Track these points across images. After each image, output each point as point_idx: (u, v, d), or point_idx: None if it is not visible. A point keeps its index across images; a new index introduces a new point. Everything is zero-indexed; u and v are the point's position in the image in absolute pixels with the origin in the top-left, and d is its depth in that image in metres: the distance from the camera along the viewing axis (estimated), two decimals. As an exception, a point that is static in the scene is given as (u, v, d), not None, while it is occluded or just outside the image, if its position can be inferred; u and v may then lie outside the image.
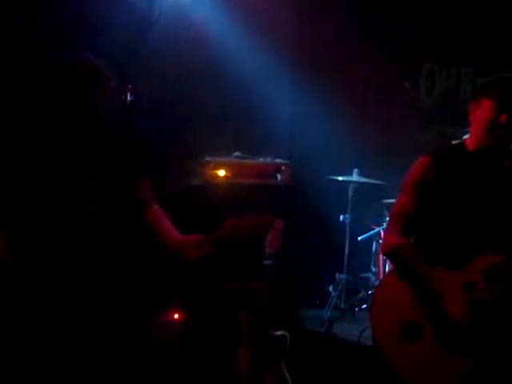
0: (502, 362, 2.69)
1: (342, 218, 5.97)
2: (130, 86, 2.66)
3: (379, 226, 5.79)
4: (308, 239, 6.21)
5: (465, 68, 6.89)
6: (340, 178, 5.91)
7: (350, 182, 5.92)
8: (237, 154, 5.43)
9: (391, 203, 4.63)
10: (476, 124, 2.90)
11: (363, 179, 5.91)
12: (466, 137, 3.06)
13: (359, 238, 5.95)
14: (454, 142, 3.52)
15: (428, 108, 6.97)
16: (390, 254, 2.96)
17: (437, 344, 2.72)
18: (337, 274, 5.96)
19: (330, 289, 5.97)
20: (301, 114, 6.49)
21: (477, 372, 2.66)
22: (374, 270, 5.88)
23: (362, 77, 6.83)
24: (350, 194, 5.96)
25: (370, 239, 5.93)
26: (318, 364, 4.61)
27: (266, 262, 4.19)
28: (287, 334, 4.09)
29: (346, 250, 5.89)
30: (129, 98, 2.66)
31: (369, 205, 6.06)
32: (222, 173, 5.23)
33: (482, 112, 2.85)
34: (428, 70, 7.04)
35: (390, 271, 3.04)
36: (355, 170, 5.95)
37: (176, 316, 3.99)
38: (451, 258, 2.81)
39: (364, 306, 5.69)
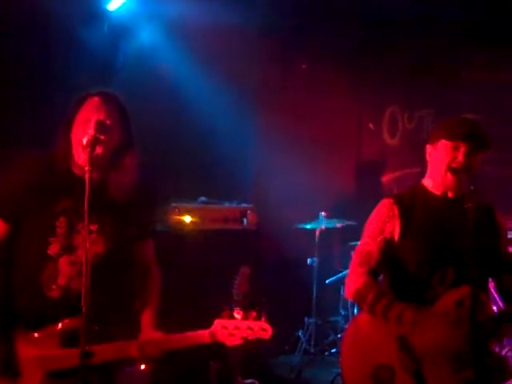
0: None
1: (309, 261, 5.95)
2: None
3: (347, 268, 5.77)
4: (275, 283, 6.16)
5: (426, 110, 7.02)
6: (307, 226, 5.91)
7: (317, 225, 5.92)
8: (202, 199, 5.40)
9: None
10: (434, 165, 2.92)
11: (330, 222, 5.92)
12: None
13: (327, 281, 5.93)
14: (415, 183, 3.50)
15: (391, 150, 7.07)
16: (357, 297, 2.93)
17: None
18: (305, 318, 5.91)
19: (299, 333, 5.91)
20: (266, 158, 6.51)
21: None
22: (342, 313, 5.86)
23: (326, 121, 6.88)
24: (317, 236, 5.96)
25: (337, 282, 5.91)
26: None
27: (233, 309, 4.11)
28: (257, 382, 4.02)
29: (314, 294, 5.86)
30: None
31: (336, 247, 6.07)
32: (187, 218, 5.19)
33: (439, 153, 2.87)
34: (391, 113, 7.16)
35: (359, 313, 3.00)
36: (322, 213, 5.96)
37: (143, 366, 3.89)
38: (419, 296, 2.80)
39: (334, 349, 5.65)
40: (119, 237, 2.72)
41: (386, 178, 6.94)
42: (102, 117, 2.63)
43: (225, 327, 2.62)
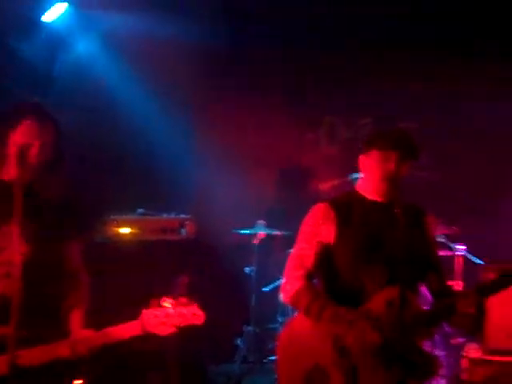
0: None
1: (247, 270, 6.00)
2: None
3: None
4: (214, 293, 6.18)
5: (364, 119, 7.14)
6: (245, 231, 5.96)
7: (254, 233, 5.98)
8: (140, 210, 5.40)
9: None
10: (367, 173, 3.01)
11: (268, 231, 5.98)
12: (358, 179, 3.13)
13: (264, 289, 5.98)
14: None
15: (330, 158, 7.18)
16: (294, 301, 2.97)
17: None
18: (244, 327, 5.95)
19: (239, 342, 5.95)
20: (206, 169, 6.54)
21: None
22: (280, 320, 5.90)
23: (265, 131, 6.95)
24: (255, 245, 6.02)
25: (275, 290, 5.97)
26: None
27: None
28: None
29: (253, 302, 5.90)
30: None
31: (274, 255, 6.13)
32: (126, 230, 5.19)
33: (371, 163, 2.96)
34: (329, 122, 7.27)
35: (293, 317, 3.03)
36: (259, 222, 6.02)
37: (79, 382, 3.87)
38: (353, 297, 2.86)
39: (273, 357, 5.68)
40: (41, 238, 2.72)
41: (324, 186, 7.03)
42: (33, 139, 2.72)
43: (155, 316, 2.57)
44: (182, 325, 2.58)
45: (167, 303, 2.59)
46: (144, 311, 2.58)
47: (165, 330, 2.57)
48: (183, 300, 2.61)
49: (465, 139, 6.84)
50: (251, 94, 6.86)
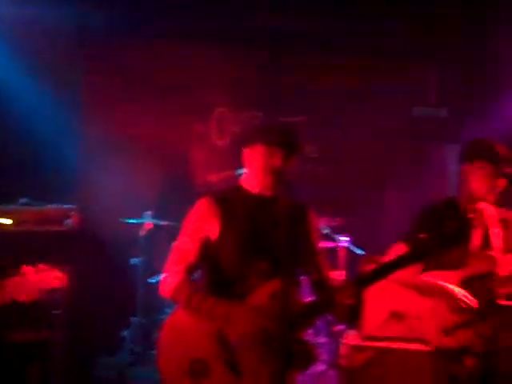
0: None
1: (134, 260, 5.95)
2: None
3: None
4: (100, 284, 6.11)
5: (253, 112, 7.21)
6: (131, 221, 5.90)
7: (141, 224, 5.93)
8: (23, 200, 5.23)
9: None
10: (251, 166, 3.03)
11: (155, 221, 5.95)
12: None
13: (151, 281, 5.95)
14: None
15: (220, 151, 7.22)
16: (174, 295, 2.95)
17: (226, 378, 2.76)
18: (131, 318, 5.90)
19: (125, 333, 5.89)
20: (93, 159, 6.41)
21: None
22: (168, 311, 5.87)
23: (156, 122, 6.89)
24: (142, 236, 5.97)
25: (162, 281, 5.96)
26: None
27: (55, 311, 4.05)
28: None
29: (140, 293, 5.86)
30: None
31: (161, 247, 6.10)
32: (7, 221, 5.02)
33: (256, 156, 2.98)
34: (218, 115, 7.30)
35: (175, 310, 3.04)
36: (147, 213, 5.98)
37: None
38: (235, 290, 2.90)
39: (158, 349, 5.68)
40: None
41: (213, 179, 7.07)
42: None
43: (17, 284, 2.59)
44: (44, 288, 2.61)
45: (27, 270, 2.62)
46: (5, 282, 2.59)
47: (28, 295, 2.60)
48: (43, 266, 2.66)
49: (348, 132, 7.06)
50: (139, 83, 6.79)
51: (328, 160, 7.27)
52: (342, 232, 6.21)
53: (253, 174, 3.03)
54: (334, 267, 5.84)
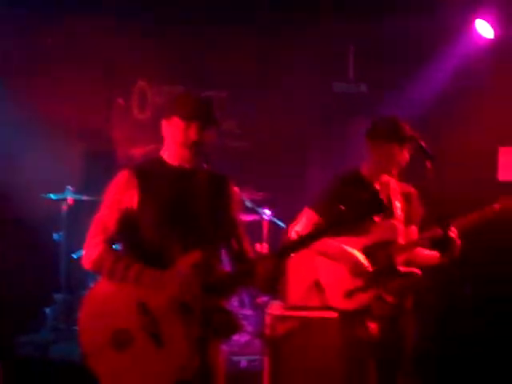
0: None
1: (56, 236, 5.87)
2: None
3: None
4: (21, 260, 6.01)
5: (174, 86, 7.18)
6: (53, 197, 5.82)
7: (63, 199, 5.85)
8: None
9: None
10: (169, 139, 3.01)
11: (77, 196, 5.88)
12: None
13: (75, 256, 5.90)
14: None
15: (141, 125, 7.17)
16: (96, 266, 2.92)
17: (149, 347, 2.77)
18: (54, 294, 5.84)
19: (47, 310, 5.83)
20: (10, 133, 6.25)
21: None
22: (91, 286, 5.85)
23: (75, 95, 6.77)
24: (65, 211, 5.89)
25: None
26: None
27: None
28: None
29: (62, 269, 5.80)
30: None
31: (85, 222, 6.04)
32: None
33: (173, 129, 2.96)
34: (139, 88, 7.23)
35: (98, 281, 3.02)
36: (68, 188, 5.90)
37: None
38: (157, 260, 2.88)
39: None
40: None
41: (135, 153, 7.02)
42: None
43: None
44: None
45: None
46: None
47: None
48: None
49: (273, 107, 7.12)
50: (60, 55, 6.66)
51: (250, 135, 7.32)
52: (265, 206, 6.30)
53: (171, 146, 3.02)
54: (257, 240, 5.93)
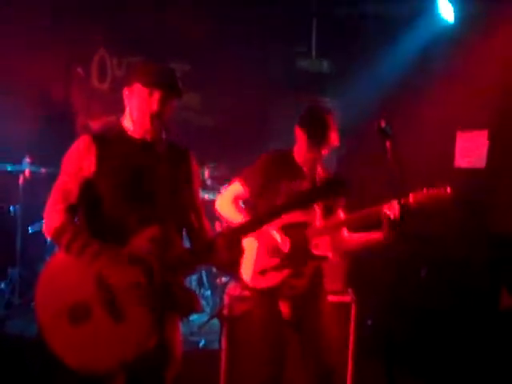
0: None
1: (11, 208, 5.77)
2: None
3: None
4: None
5: (136, 58, 7.09)
6: (9, 168, 5.70)
7: (20, 171, 5.74)
8: None
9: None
10: (131, 108, 2.93)
11: (33, 168, 5.78)
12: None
13: (31, 229, 5.80)
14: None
15: (101, 95, 7.07)
16: (55, 235, 2.85)
17: (106, 322, 2.74)
18: (9, 269, 5.75)
19: (2, 285, 5.74)
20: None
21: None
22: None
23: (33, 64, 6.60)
24: (21, 183, 5.79)
25: (42, 230, 5.81)
26: None
27: None
28: None
29: (18, 243, 5.71)
30: None
31: (42, 194, 5.95)
32: None
33: (135, 97, 2.89)
34: (99, 58, 7.13)
35: (55, 253, 2.95)
36: (25, 159, 5.79)
37: None
38: (114, 233, 2.84)
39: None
40: None
41: (94, 123, 6.92)
42: None
43: None
44: None
45: None
46: None
47: None
48: None
49: (231, 83, 7.08)
50: (18, 26, 6.48)
51: (212, 111, 7.29)
52: (226, 184, 6.28)
53: (132, 115, 2.94)
54: (217, 219, 5.91)
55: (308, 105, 3.91)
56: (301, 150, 3.82)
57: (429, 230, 5.66)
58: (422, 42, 6.22)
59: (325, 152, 3.76)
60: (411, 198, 3.57)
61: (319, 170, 3.88)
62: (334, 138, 3.74)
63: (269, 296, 3.72)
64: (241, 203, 3.88)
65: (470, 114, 5.86)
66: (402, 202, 3.42)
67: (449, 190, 3.57)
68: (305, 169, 3.81)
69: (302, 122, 3.80)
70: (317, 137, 3.72)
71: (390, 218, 3.54)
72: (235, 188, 3.84)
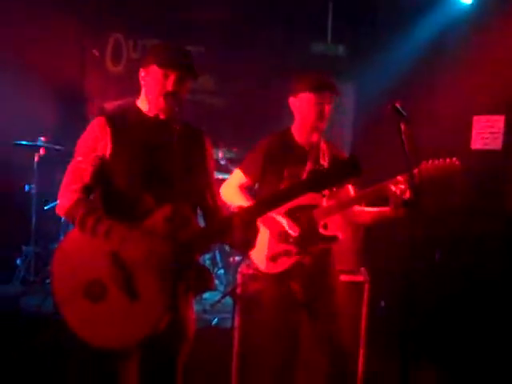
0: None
1: (27, 187, 5.80)
2: None
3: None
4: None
5: (151, 40, 7.08)
6: (25, 143, 5.74)
7: (36, 149, 5.77)
8: None
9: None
10: (147, 88, 2.95)
11: (49, 146, 5.81)
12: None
13: (46, 208, 5.84)
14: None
15: (115, 78, 7.08)
16: (69, 214, 2.85)
17: (122, 300, 2.75)
18: (24, 247, 5.79)
19: (18, 262, 5.79)
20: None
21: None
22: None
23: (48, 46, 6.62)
24: (36, 162, 5.82)
25: (57, 208, 5.85)
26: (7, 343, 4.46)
27: None
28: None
29: (33, 221, 5.74)
30: None
31: (57, 173, 5.98)
32: None
33: (150, 77, 2.89)
34: (114, 41, 7.13)
35: (70, 231, 2.94)
36: (41, 138, 5.82)
37: None
38: (131, 212, 2.85)
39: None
40: None
41: (108, 105, 6.92)
42: None
43: None
44: None
45: None
46: None
47: None
48: None
49: (248, 65, 7.06)
50: (34, 8, 6.49)
51: (226, 93, 7.27)
52: (239, 164, 6.28)
53: (148, 94, 2.95)
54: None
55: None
56: (301, 125, 3.75)
57: (444, 210, 5.65)
58: (439, 24, 6.15)
59: (327, 108, 3.67)
60: (419, 169, 3.49)
61: (323, 145, 3.81)
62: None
63: (280, 279, 3.72)
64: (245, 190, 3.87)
65: (487, 98, 5.80)
66: (410, 175, 3.34)
67: (457, 161, 3.51)
68: (307, 148, 3.76)
69: (296, 87, 3.71)
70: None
71: (395, 194, 3.52)
72: (237, 176, 3.84)
